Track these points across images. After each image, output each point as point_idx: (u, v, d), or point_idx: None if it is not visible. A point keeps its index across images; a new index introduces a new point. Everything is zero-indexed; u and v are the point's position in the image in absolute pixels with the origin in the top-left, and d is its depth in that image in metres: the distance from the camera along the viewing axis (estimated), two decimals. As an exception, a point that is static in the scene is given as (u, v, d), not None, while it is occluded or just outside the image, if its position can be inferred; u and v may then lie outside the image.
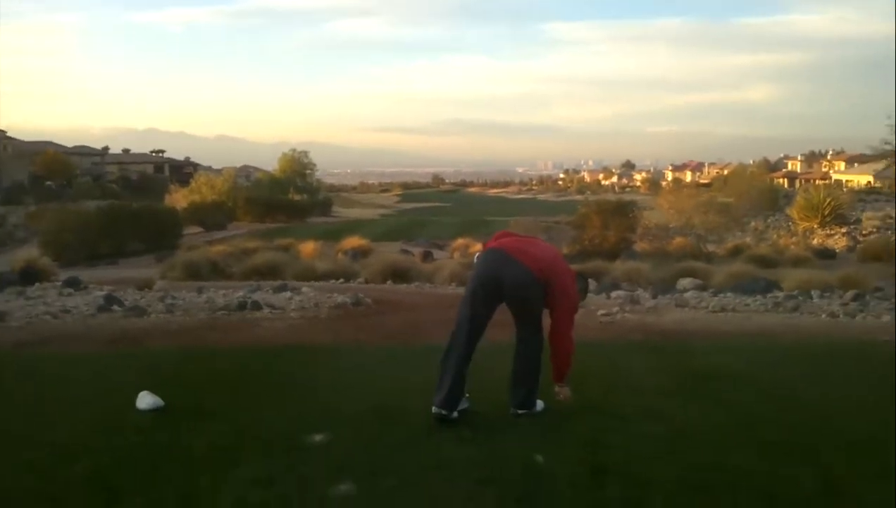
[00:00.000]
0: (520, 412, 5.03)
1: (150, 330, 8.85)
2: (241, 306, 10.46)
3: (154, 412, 5.15)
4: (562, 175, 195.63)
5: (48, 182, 65.40)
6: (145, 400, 5.23)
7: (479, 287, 4.93)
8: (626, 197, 44.01)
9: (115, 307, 10.40)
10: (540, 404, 5.11)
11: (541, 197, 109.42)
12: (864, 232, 36.22)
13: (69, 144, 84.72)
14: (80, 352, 7.59)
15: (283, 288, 12.86)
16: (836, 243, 33.40)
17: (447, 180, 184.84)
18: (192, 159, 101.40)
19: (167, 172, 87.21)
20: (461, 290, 13.39)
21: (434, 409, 4.83)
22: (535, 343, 5.05)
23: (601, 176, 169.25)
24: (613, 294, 12.60)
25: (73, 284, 13.77)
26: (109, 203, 37.92)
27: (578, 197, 71.59)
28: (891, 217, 39.95)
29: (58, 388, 5.95)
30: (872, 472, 4.12)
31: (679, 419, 5.03)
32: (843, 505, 3.78)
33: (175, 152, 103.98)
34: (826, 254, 28.00)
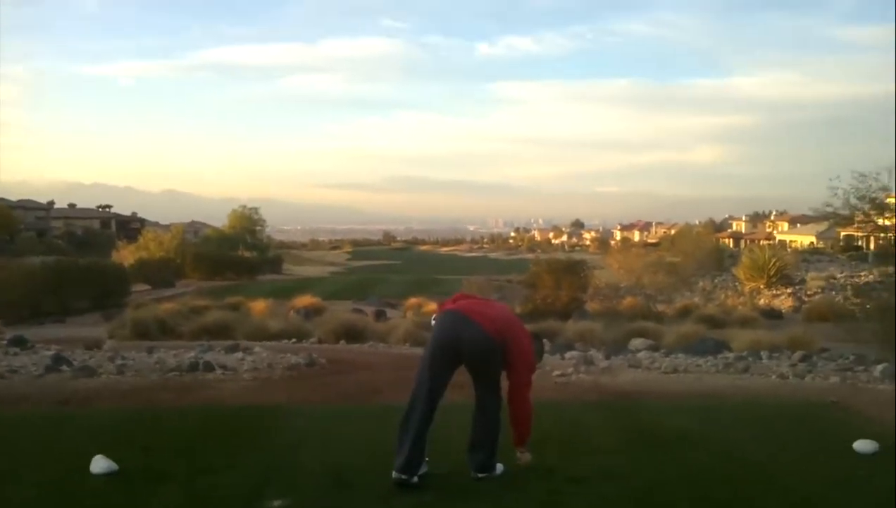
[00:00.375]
0: (480, 475, 5.05)
1: (100, 391, 8.70)
2: (193, 366, 10.33)
3: (109, 475, 5.07)
4: (513, 233, 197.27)
5: (-9, 237, 64.12)
6: (99, 464, 5.14)
7: (437, 350, 4.96)
8: (576, 256, 44.47)
9: (64, 367, 10.21)
10: (500, 467, 5.13)
11: (492, 255, 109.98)
12: (808, 293, 37.00)
13: (13, 197, 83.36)
14: (29, 413, 7.44)
15: (234, 348, 12.74)
16: (783, 304, 34.06)
17: (398, 238, 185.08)
18: (140, 215, 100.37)
19: (114, 228, 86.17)
20: (416, 350, 13.46)
21: (394, 474, 4.82)
22: (494, 406, 5.09)
23: (551, 235, 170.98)
24: (567, 355, 12.69)
25: (20, 342, 13.48)
26: (55, 259, 37.22)
27: (529, 255, 72.24)
28: (835, 278, 40.90)
29: (8, 451, 5.82)
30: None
31: (634, 478, 5.11)
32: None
33: (122, 207, 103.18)
34: (772, 314, 28.53)
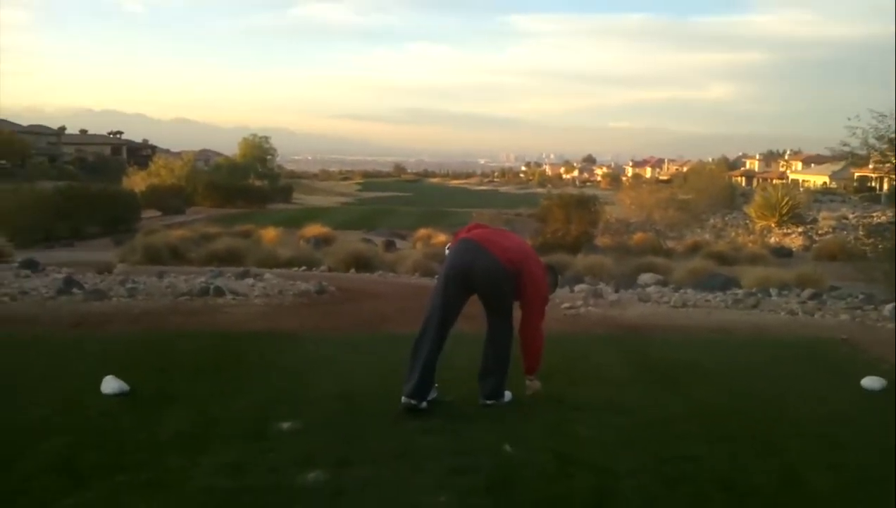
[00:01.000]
0: (488, 402, 5.08)
1: (112, 314, 8.74)
2: (204, 291, 10.35)
3: (119, 396, 5.11)
4: (523, 168, 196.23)
5: (2, 162, 64.11)
6: (110, 385, 5.18)
7: (450, 277, 4.95)
8: (588, 191, 44.26)
9: (76, 290, 10.24)
10: (508, 395, 5.16)
11: (503, 189, 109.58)
12: (819, 232, 36.84)
13: (23, 122, 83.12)
14: (41, 334, 7.49)
15: (245, 274, 12.73)
16: (793, 242, 33.96)
17: (409, 170, 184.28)
18: (151, 142, 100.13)
19: (125, 155, 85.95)
20: (425, 280, 13.49)
21: (403, 399, 4.85)
22: (505, 335, 5.09)
23: (562, 170, 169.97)
24: (577, 288, 12.67)
25: (31, 266, 13.51)
26: (66, 184, 37.22)
27: (540, 190, 71.83)
28: (846, 218, 40.70)
29: (20, 370, 5.87)
30: (825, 463, 4.24)
31: (642, 410, 5.12)
32: (798, 494, 3.88)
33: (133, 134, 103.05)
34: (782, 252, 28.45)
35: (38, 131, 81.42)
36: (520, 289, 5.00)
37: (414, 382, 4.82)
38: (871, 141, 16.49)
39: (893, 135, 16.29)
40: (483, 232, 5.17)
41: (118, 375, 5.30)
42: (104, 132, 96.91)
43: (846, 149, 17.23)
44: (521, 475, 3.97)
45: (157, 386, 5.39)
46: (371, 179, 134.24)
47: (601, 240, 27.60)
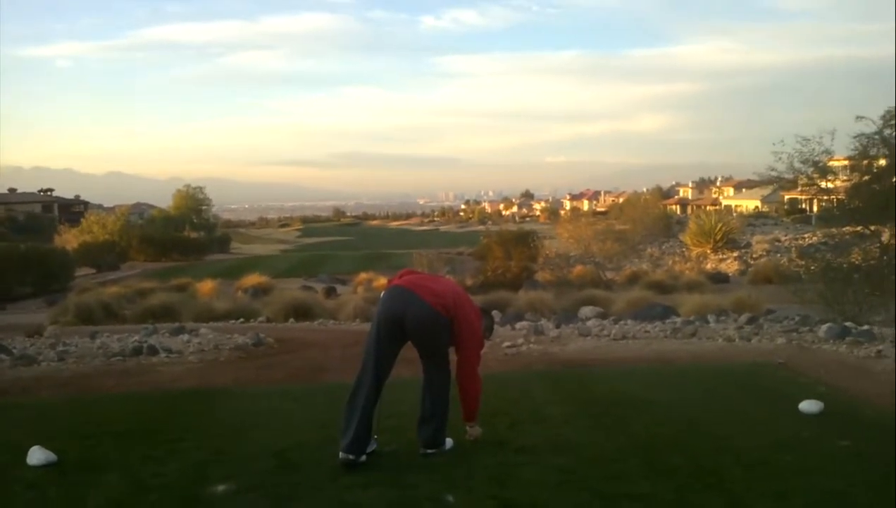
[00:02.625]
0: (429, 451, 4.98)
1: (40, 379, 8.46)
2: (137, 350, 10.11)
3: (46, 466, 4.90)
4: (463, 206, 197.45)
5: (-72, 225, 62.41)
6: (37, 455, 4.97)
7: (382, 326, 4.87)
8: (527, 227, 44.62)
9: (3, 356, 9.92)
10: (449, 442, 5.07)
11: (443, 228, 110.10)
12: (754, 256, 37.57)
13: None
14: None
15: (180, 331, 12.50)
16: (729, 267, 34.59)
17: (348, 213, 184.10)
18: (83, 197, 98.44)
19: (56, 212, 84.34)
20: (366, 326, 13.33)
21: (341, 455, 4.72)
22: (442, 381, 5.02)
23: (501, 206, 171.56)
24: (518, 325, 12.70)
25: (-43, 332, 13.11)
26: (-5, 245, 36.40)
27: (480, 227, 72.35)
28: (779, 240, 41.61)
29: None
30: (771, 492, 4.23)
31: (585, 448, 5.08)
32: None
33: (64, 191, 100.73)
34: (719, 278, 28.94)
35: (-35, 192, 79.54)
36: (454, 334, 4.94)
37: (350, 436, 4.71)
38: (797, 165, 16.90)
39: (817, 158, 16.72)
40: (413, 278, 5.11)
41: (45, 443, 5.10)
42: (34, 190, 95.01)
43: (773, 174, 17.62)
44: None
45: (86, 453, 5.18)
46: (310, 224, 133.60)
47: (542, 275, 27.74)
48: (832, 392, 6.52)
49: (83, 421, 6.20)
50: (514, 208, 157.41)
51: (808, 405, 5.90)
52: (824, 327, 10.56)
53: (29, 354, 10.06)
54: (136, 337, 11.50)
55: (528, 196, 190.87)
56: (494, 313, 15.50)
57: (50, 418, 6.42)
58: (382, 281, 24.27)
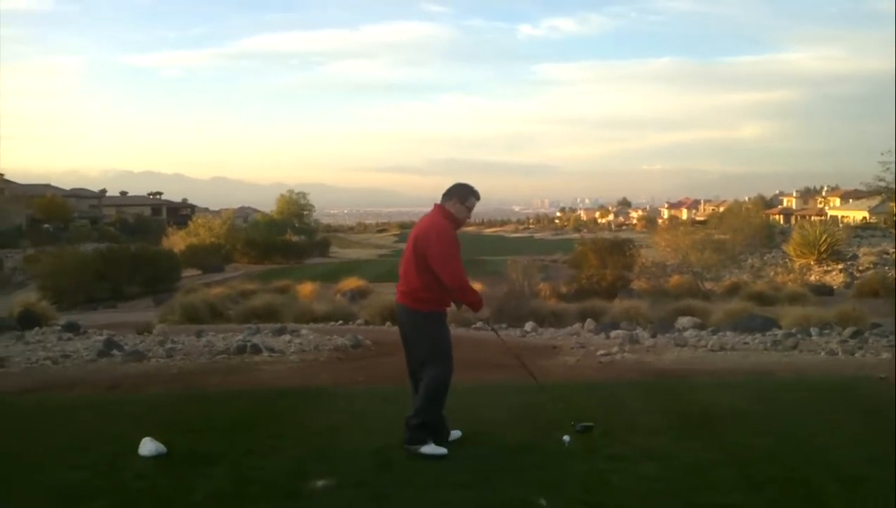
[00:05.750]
0: (409, 447, 5.15)
1: (150, 375, 8.86)
2: (241, 349, 10.47)
3: (156, 457, 5.17)
4: (558, 213, 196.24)
5: (46, 225, 65.43)
6: (147, 447, 5.24)
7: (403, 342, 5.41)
8: (623, 235, 44.10)
9: (115, 352, 10.41)
10: (432, 448, 5.13)
11: (538, 235, 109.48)
12: (860, 268, 36.30)
13: (66, 186, 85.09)
14: (81, 397, 7.61)
15: (282, 331, 12.86)
16: (833, 280, 33.49)
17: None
18: (189, 201, 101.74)
19: (164, 214, 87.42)
20: (459, 330, 13.47)
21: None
22: (430, 381, 5.17)
23: (597, 214, 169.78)
24: (613, 334, 12.63)
25: (73, 328, 13.78)
26: (107, 246, 37.87)
27: (575, 235, 71.74)
28: (887, 253, 40.09)
29: (60, 434, 5.96)
30: (869, 508, 4.16)
31: (676, 457, 5.07)
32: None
33: (172, 194, 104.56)
34: (823, 290, 28.03)
35: (80, 194, 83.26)
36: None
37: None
38: (905, 175, 16.37)
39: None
40: (399, 285, 5.38)
41: (154, 435, 5.37)
42: (144, 193, 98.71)
43: (881, 184, 17.09)
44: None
45: (192, 446, 5.44)
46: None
47: (637, 284, 27.38)
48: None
49: (190, 416, 6.49)
50: (611, 216, 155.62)
51: (910, 422, 5.75)
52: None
53: (139, 350, 10.52)
54: (240, 336, 11.88)
55: (624, 204, 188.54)
56: (588, 321, 15.46)
57: (159, 412, 6.73)
58: (478, 286, 24.33)
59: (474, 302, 5.25)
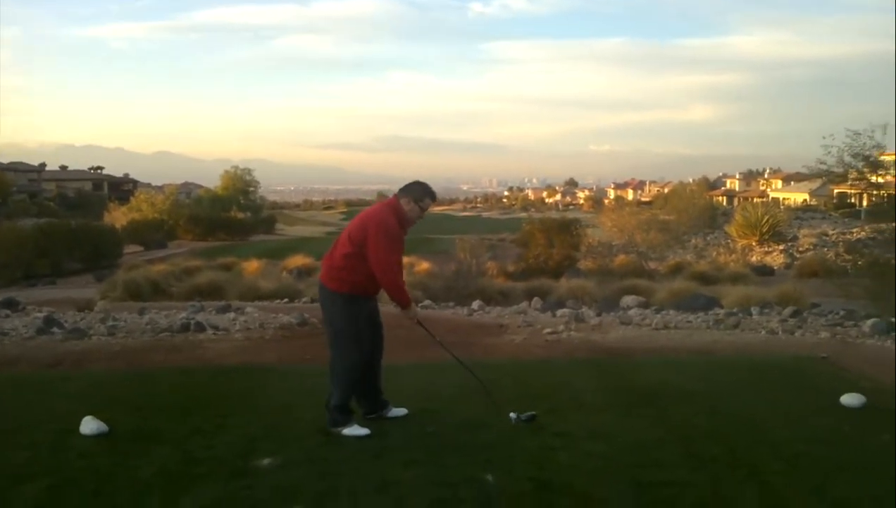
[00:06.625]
0: (332, 429, 5.17)
1: (91, 352, 8.68)
2: (185, 327, 10.32)
3: (99, 436, 5.08)
4: (506, 193, 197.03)
5: (-18, 200, 63.72)
6: (89, 425, 5.15)
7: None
8: (570, 215, 44.38)
9: (55, 329, 10.18)
10: (354, 429, 5.15)
11: (486, 215, 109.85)
12: (800, 249, 37.05)
13: (4, 159, 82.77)
14: (20, 375, 7.44)
15: (226, 309, 12.70)
16: (774, 260, 34.14)
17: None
18: (132, 176, 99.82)
19: (106, 190, 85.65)
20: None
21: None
22: (331, 363, 5.37)
23: (545, 194, 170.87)
24: (559, 312, 12.70)
25: (11, 305, 13.45)
26: (47, 221, 36.99)
27: (523, 214, 72.05)
28: (827, 234, 40.97)
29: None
30: (808, 487, 4.25)
31: (622, 435, 5.14)
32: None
33: (114, 169, 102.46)
34: (764, 271, 28.59)
35: (18, 168, 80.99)
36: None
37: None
38: (847, 159, 16.72)
39: (868, 152, 16.51)
40: (323, 261, 5.50)
41: (97, 414, 5.28)
42: (85, 168, 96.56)
43: (822, 167, 17.44)
44: (501, 505, 3.98)
45: (136, 425, 5.36)
46: (354, 207, 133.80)
47: (584, 263, 27.61)
48: (875, 388, 6.49)
49: (134, 394, 6.39)
50: (558, 196, 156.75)
51: (850, 399, 5.89)
52: (869, 322, 10.46)
53: (80, 328, 10.30)
54: (184, 314, 11.71)
55: (571, 184, 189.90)
56: (535, 299, 15.56)
57: (101, 390, 6.60)
58: (425, 265, 24.39)
59: (402, 301, 5.29)
